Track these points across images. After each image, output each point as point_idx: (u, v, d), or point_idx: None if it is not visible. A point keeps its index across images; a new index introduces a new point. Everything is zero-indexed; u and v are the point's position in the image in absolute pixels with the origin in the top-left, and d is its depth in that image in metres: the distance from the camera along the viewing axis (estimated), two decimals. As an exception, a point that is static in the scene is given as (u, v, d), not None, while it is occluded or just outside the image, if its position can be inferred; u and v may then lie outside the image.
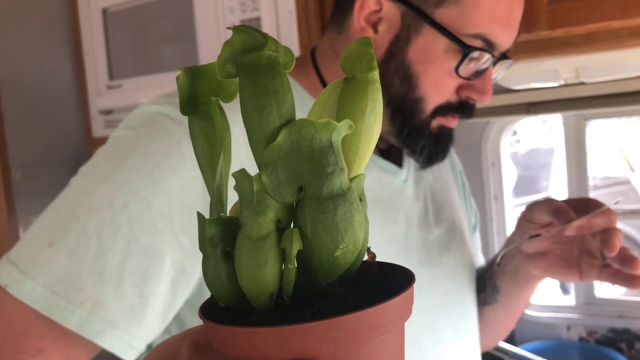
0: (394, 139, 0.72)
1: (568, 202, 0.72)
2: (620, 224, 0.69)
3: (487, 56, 0.67)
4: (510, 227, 1.41)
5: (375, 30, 0.68)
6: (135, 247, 0.57)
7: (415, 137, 0.70)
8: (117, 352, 0.56)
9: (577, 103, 1.22)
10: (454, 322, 0.77)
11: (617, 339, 1.35)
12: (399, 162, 0.77)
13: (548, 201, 0.72)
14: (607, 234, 0.67)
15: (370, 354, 0.26)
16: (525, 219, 0.76)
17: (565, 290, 1.69)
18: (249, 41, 0.25)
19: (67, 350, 0.56)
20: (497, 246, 1.46)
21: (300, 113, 0.26)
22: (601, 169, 2.86)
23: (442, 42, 0.66)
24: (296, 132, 0.25)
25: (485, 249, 1.39)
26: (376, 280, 0.30)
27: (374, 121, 0.28)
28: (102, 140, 0.66)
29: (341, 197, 0.26)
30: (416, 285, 0.28)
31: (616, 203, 0.72)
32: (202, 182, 0.58)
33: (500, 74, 0.73)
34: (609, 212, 0.68)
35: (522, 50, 0.83)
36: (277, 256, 0.26)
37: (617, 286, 0.72)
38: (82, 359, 0.57)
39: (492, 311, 0.86)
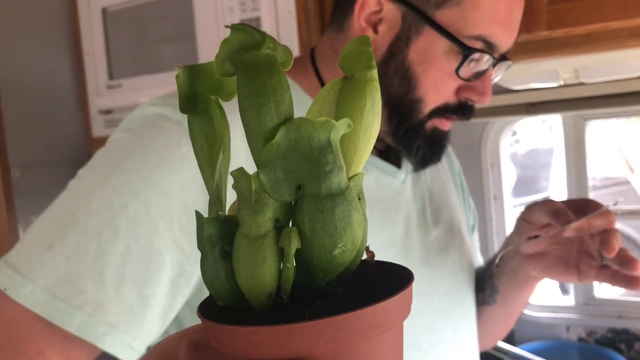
0: (390, 139, 0.72)
1: (567, 203, 0.72)
2: (619, 225, 0.69)
3: (487, 57, 0.67)
4: (510, 228, 1.41)
5: (376, 31, 0.68)
6: (135, 248, 0.56)
7: (411, 137, 0.70)
8: (118, 354, 0.56)
9: (577, 103, 1.22)
10: (454, 323, 0.77)
11: (617, 339, 1.35)
12: (397, 163, 0.77)
13: (547, 202, 0.72)
14: (606, 235, 0.67)
15: (369, 353, 0.26)
16: (524, 220, 0.76)
17: (564, 290, 1.68)
18: (246, 39, 0.25)
19: (67, 354, 0.55)
20: (496, 246, 1.46)
21: (299, 113, 0.26)
22: (601, 169, 2.86)
23: (443, 43, 0.65)
24: (294, 130, 0.25)
25: (485, 249, 1.39)
26: (375, 279, 0.30)
27: (372, 120, 0.28)
28: (102, 140, 0.66)
29: (339, 195, 0.26)
30: (416, 286, 0.28)
31: (615, 204, 0.71)
32: (201, 183, 0.57)
33: (500, 75, 0.73)
34: (607, 213, 0.68)
35: (521, 50, 0.83)
36: (276, 255, 0.26)
37: (616, 287, 0.72)
38: None
39: (491, 311, 0.86)
